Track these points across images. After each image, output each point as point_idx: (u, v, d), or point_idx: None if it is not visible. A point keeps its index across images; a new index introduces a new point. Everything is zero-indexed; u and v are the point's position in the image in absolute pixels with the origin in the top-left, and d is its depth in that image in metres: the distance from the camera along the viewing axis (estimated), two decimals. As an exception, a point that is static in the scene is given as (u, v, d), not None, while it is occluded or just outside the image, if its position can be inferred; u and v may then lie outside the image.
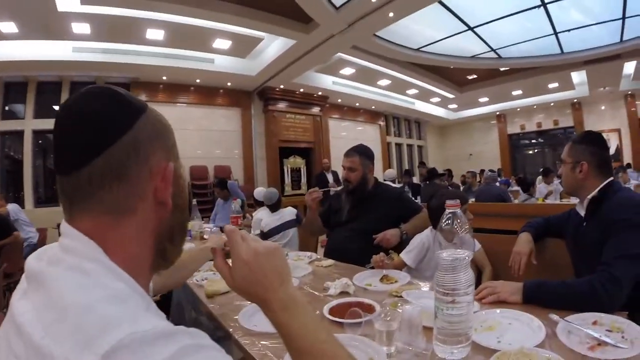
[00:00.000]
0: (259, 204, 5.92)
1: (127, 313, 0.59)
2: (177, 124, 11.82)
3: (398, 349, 1.33)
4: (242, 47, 10.57)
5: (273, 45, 10.51)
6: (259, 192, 6.06)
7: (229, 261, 0.91)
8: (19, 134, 10.42)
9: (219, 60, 11.13)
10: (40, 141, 10.81)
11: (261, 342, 1.52)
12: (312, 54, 10.36)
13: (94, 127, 0.69)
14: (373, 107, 16.74)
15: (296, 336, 0.81)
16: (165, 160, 0.77)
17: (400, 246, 3.06)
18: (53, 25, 8.50)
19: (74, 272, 0.64)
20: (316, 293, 2.10)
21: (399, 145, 19.26)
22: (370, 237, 3.04)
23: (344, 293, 2.04)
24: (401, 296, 1.92)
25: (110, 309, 0.58)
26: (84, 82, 10.77)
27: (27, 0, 7.43)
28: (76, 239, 0.69)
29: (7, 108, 10.55)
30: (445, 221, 1.33)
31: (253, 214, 5.84)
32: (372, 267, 2.51)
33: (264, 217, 5.22)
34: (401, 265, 2.79)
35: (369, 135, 16.86)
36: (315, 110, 14.83)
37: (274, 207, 5.20)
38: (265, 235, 4.94)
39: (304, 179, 14.50)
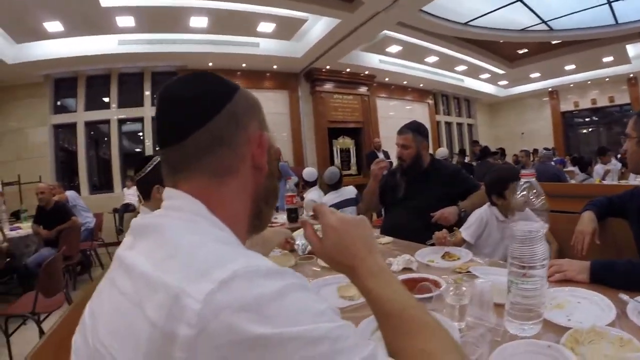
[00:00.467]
0: (309, 184, 5.92)
1: (239, 252, 0.67)
2: (224, 109, 12.16)
3: (469, 324, 1.32)
4: (287, 29, 10.50)
5: (317, 26, 10.37)
6: (309, 172, 6.07)
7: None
8: (72, 127, 10.87)
9: (264, 44, 11.12)
10: (92, 132, 11.26)
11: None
12: (357, 33, 10.11)
13: (199, 102, 0.79)
14: (421, 85, 16.27)
15: (386, 301, 0.81)
16: (259, 129, 0.85)
17: (458, 224, 3.03)
18: (97, 21, 8.67)
19: (182, 221, 0.73)
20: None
21: (448, 124, 18.69)
22: (427, 215, 3.01)
23: (406, 269, 2.05)
24: (469, 271, 1.92)
25: (223, 247, 0.66)
26: (132, 74, 11.27)
27: (71, -2, 7.59)
28: (181, 198, 0.77)
29: (59, 103, 11.00)
30: (520, 192, 1.29)
31: (304, 195, 5.83)
32: (433, 244, 2.51)
33: (317, 197, 5.24)
34: (460, 243, 2.77)
35: (417, 114, 16.27)
36: (363, 90, 14.54)
37: (335, 186, 5.22)
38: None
39: (353, 159, 14.36)
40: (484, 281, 1.36)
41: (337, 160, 13.87)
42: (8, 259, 5.45)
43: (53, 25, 8.60)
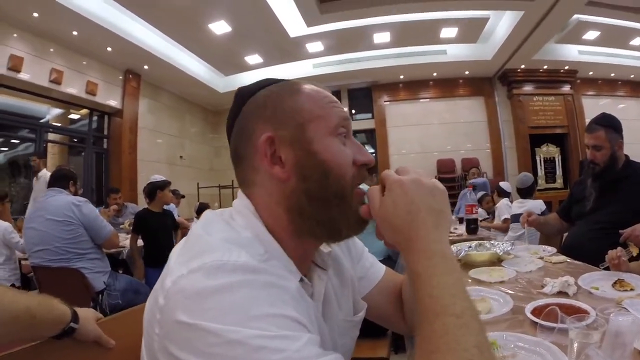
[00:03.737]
0: (504, 195, 5.80)
1: (229, 248, 0.67)
2: (420, 119, 13.00)
3: (590, 370, 0.94)
4: (470, 31, 10.33)
5: (502, 23, 9.90)
6: (506, 183, 6.24)
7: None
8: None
9: (451, 50, 11.11)
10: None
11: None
12: (545, 23, 9.21)
13: (228, 122, 0.88)
14: (632, 76, 13.17)
15: (428, 295, 0.61)
16: (266, 131, 0.79)
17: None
18: (290, 50, 10.35)
19: (221, 220, 0.79)
20: (531, 290, 1.77)
21: (669, 125, 14.38)
22: (616, 233, 2.35)
23: (561, 293, 1.67)
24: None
25: (218, 243, 0.69)
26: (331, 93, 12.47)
27: (264, 34, 9.41)
28: (240, 197, 0.83)
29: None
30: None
31: (495, 207, 5.84)
32: (607, 268, 1.96)
33: (505, 205, 5.13)
34: None
35: (632, 113, 13.15)
36: (565, 88, 12.91)
37: (525, 193, 4.96)
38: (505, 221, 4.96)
39: (559, 171, 12.88)
40: (625, 317, 0.95)
41: (540, 172, 12.78)
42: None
43: (253, 59, 11.00)
